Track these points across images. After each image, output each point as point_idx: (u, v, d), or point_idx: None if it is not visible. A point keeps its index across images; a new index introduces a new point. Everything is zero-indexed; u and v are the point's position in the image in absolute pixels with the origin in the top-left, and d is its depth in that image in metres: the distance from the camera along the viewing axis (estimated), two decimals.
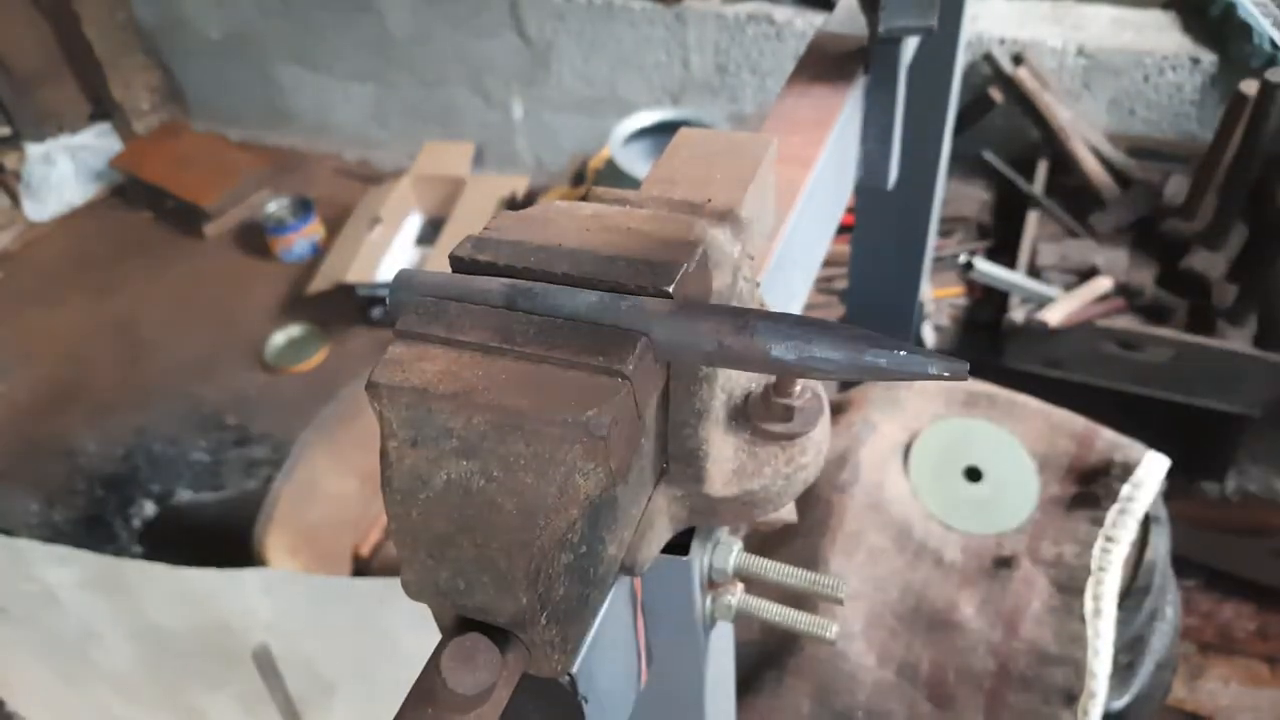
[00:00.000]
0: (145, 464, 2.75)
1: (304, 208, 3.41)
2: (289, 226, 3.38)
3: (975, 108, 2.54)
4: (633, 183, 2.40)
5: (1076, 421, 1.25)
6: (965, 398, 1.29)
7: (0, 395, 3.01)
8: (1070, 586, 1.08)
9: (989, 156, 2.55)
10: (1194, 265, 2.11)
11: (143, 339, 3.17)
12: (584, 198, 0.52)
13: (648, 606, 0.54)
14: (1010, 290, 2.14)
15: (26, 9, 3.64)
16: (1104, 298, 2.11)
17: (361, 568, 2.08)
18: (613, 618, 0.49)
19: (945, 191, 1.42)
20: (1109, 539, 1.10)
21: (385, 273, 3.07)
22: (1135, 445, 1.20)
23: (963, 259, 2.19)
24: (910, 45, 0.95)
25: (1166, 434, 1.39)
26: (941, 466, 1.21)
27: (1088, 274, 2.16)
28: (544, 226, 0.47)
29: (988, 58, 2.51)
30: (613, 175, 2.75)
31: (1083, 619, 1.05)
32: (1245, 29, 2.27)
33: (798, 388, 0.51)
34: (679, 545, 0.53)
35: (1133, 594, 1.10)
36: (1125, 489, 1.14)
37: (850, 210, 1.17)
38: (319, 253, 3.36)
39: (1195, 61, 2.39)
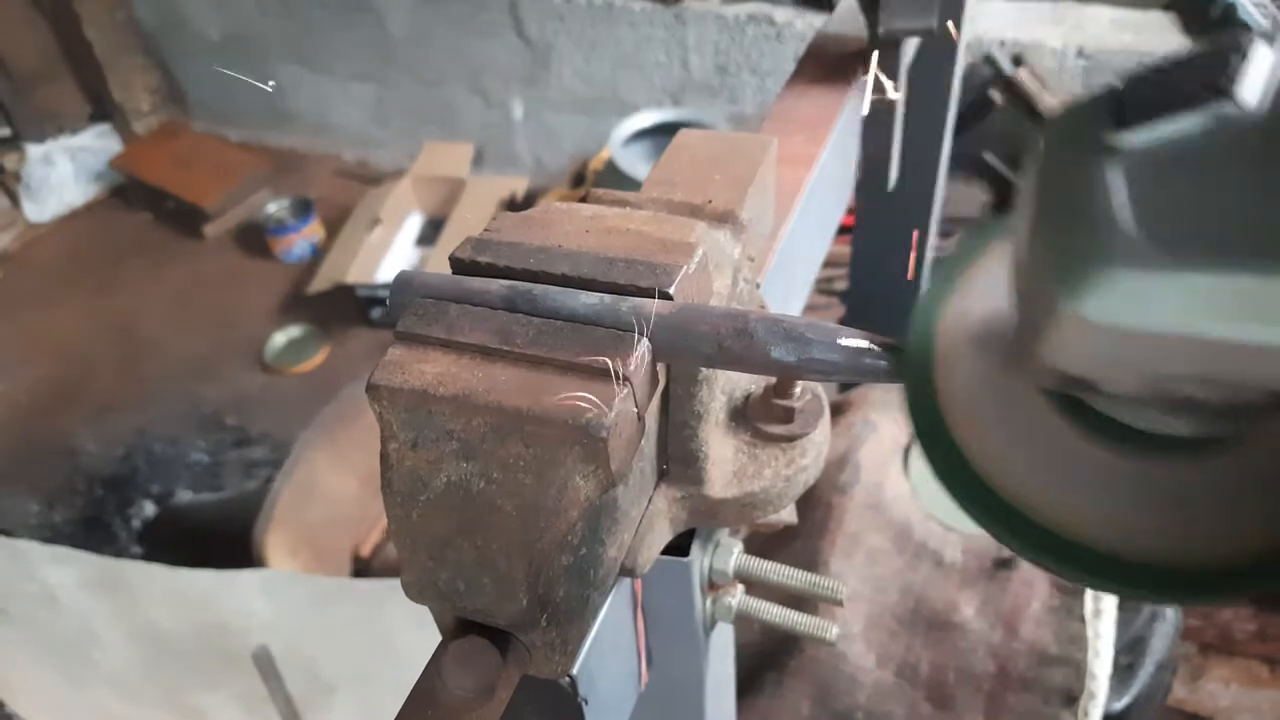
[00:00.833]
0: (145, 464, 2.75)
1: (304, 208, 3.41)
2: (289, 227, 3.38)
3: (975, 109, 2.54)
4: (633, 184, 2.40)
5: None
6: None
7: (0, 395, 3.01)
8: (1070, 587, 1.08)
9: (989, 157, 2.55)
10: None
11: (143, 339, 3.17)
12: (584, 199, 0.52)
13: (648, 608, 0.54)
14: None
15: (26, 9, 3.64)
16: None
17: (361, 568, 2.08)
18: (613, 619, 0.49)
19: (945, 192, 1.42)
20: None
21: (385, 273, 3.07)
22: None
23: None
24: (910, 46, 0.95)
25: None
26: None
27: None
28: (544, 228, 0.47)
29: (988, 59, 2.51)
30: (613, 176, 2.75)
31: (1083, 620, 1.05)
32: (1245, 30, 2.28)
33: (798, 389, 0.51)
34: (679, 547, 0.53)
35: None
36: None
37: (850, 210, 1.17)
38: (319, 253, 3.36)
39: None
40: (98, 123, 3.93)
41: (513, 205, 3.21)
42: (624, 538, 0.47)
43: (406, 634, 1.49)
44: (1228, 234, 0.24)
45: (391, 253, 3.17)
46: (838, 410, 1.30)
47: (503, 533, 0.39)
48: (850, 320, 1.52)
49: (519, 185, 3.29)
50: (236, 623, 1.62)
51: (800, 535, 1.16)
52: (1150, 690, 1.11)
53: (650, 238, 0.46)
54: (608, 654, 0.49)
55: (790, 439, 0.51)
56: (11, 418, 2.94)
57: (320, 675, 1.64)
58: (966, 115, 2.52)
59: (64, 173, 3.79)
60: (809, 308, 1.81)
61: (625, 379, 0.39)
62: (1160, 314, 0.24)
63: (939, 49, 1.10)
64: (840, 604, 0.59)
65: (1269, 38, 0.26)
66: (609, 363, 0.39)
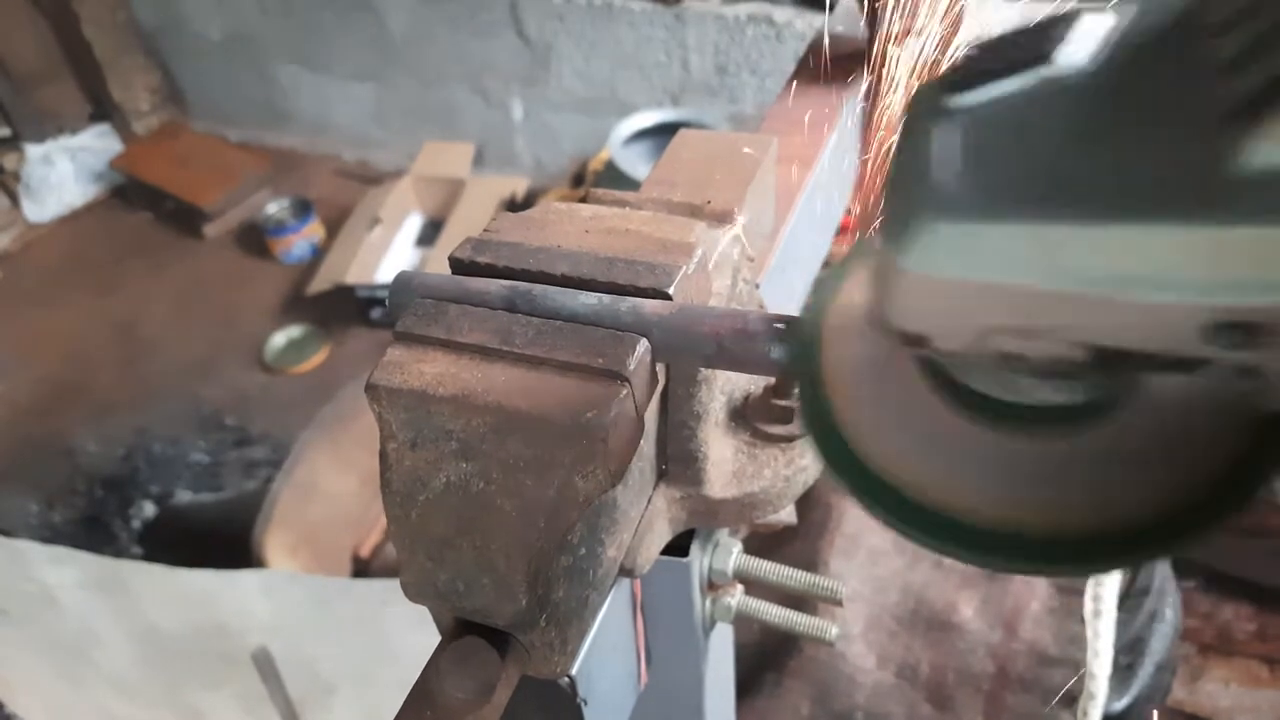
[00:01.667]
0: (145, 464, 2.75)
1: (304, 209, 3.41)
2: (289, 227, 3.38)
3: None
4: (632, 184, 2.40)
5: None
6: None
7: (0, 395, 3.01)
8: (1069, 587, 1.08)
9: None
10: None
11: (143, 339, 3.17)
12: (583, 199, 0.52)
13: (647, 608, 0.54)
14: None
15: (26, 9, 3.64)
16: None
17: (361, 569, 2.08)
18: (612, 619, 0.49)
19: None
20: None
21: (385, 273, 3.07)
22: None
23: None
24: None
25: None
26: None
27: None
28: (543, 228, 0.47)
29: None
30: (612, 176, 2.74)
31: (1082, 620, 1.05)
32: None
33: (797, 389, 0.51)
34: (678, 547, 0.53)
35: (1132, 595, 1.10)
36: None
37: (850, 211, 1.16)
38: (319, 253, 3.36)
39: None
40: (97, 123, 3.93)
41: (512, 205, 3.21)
42: (623, 538, 0.47)
43: (406, 634, 1.49)
44: (1046, 186, 0.25)
45: (391, 253, 3.17)
46: None
47: (502, 533, 0.39)
48: None
49: (519, 185, 3.29)
50: (236, 623, 1.62)
51: (800, 535, 1.16)
52: (1150, 691, 1.11)
53: (650, 238, 0.46)
54: (607, 654, 0.49)
55: (790, 439, 0.51)
56: (11, 418, 2.94)
57: (320, 675, 1.64)
58: None
59: (64, 173, 3.79)
60: None
61: (625, 379, 0.39)
62: (978, 264, 0.25)
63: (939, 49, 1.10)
64: (840, 604, 0.59)
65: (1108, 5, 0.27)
66: (608, 363, 0.39)
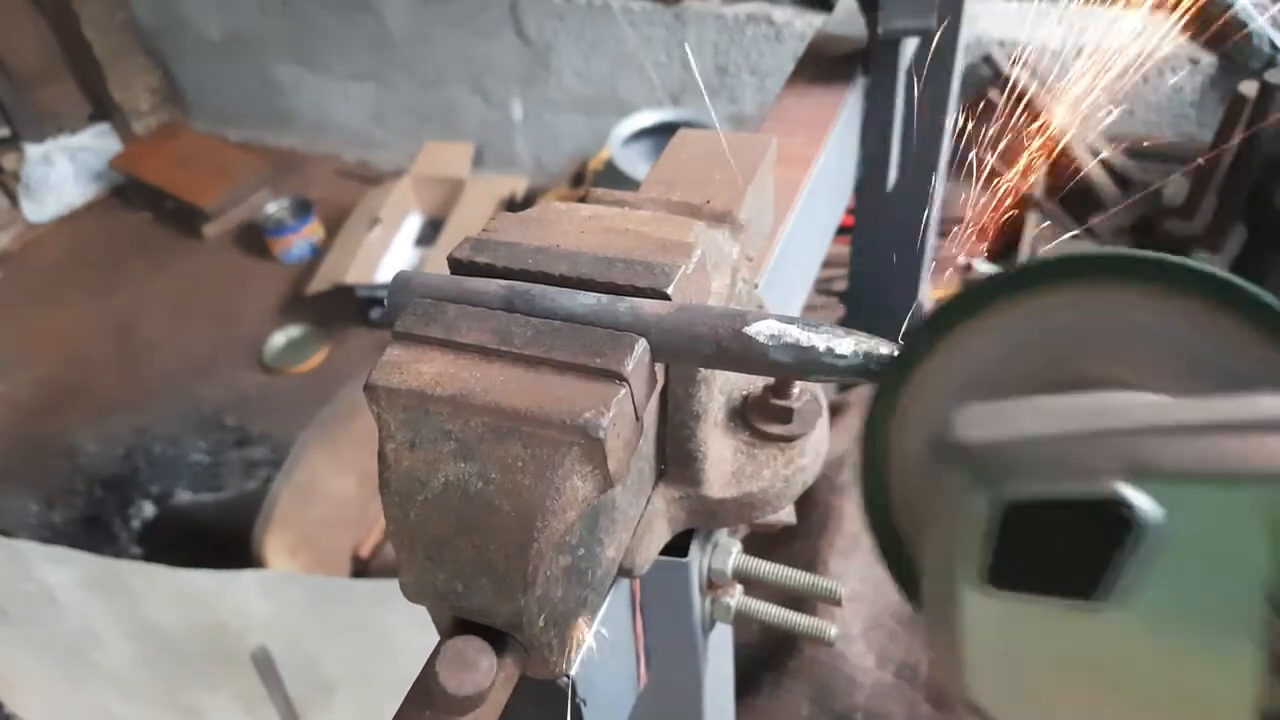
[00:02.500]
0: (145, 464, 2.75)
1: (303, 208, 3.41)
2: (288, 227, 3.38)
3: (975, 110, 2.53)
4: (632, 184, 2.40)
5: None
6: None
7: (0, 395, 3.01)
8: None
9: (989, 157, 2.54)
10: None
11: (143, 339, 3.17)
12: (583, 199, 0.52)
13: (646, 608, 0.54)
14: None
15: (26, 9, 3.64)
16: None
17: (361, 569, 2.08)
18: (611, 620, 0.49)
19: (945, 191, 1.42)
20: None
21: (384, 273, 3.07)
22: None
23: (963, 260, 2.18)
24: (909, 46, 0.95)
25: None
26: None
27: None
28: (542, 228, 0.47)
29: (987, 59, 2.51)
30: (612, 176, 2.74)
31: None
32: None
33: (796, 390, 0.51)
34: (678, 547, 0.53)
35: None
36: None
37: (850, 210, 1.17)
38: (318, 253, 3.36)
39: (1194, 63, 2.39)
40: (97, 123, 3.93)
41: (512, 205, 3.21)
42: (622, 538, 0.47)
43: (406, 634, 1.49)
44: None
45: (391, 253, 3.17)
46: (837, 410, 1.30)
47: (501, 533, 0.39)
48: (850, 320, 1.52)
49: (518, 185, 3.29)
50: (236, 623, 1.62)
51: (800, 535, 1.16)
52: None
53: (649, 238, 0.46)
54: (606, 654, 0.49)
55: (789, 439, 0.51)
56: (11, 418, 2.94)
57: (320, 675, 1.64)
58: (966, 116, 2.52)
59: (64, 173, 3.79)
60: (809, 308, 1.82)
61: (623, 379, 0.39)
62: None
63: (939, 50, 1.10)
64: (839, 604, 0.58)
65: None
66: (607, 363, 0.39)
